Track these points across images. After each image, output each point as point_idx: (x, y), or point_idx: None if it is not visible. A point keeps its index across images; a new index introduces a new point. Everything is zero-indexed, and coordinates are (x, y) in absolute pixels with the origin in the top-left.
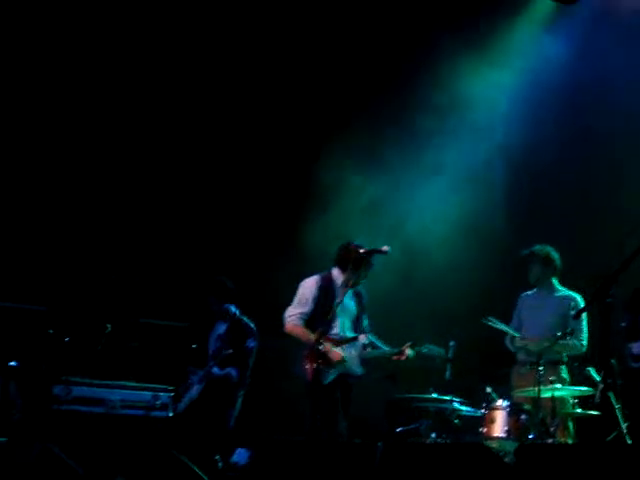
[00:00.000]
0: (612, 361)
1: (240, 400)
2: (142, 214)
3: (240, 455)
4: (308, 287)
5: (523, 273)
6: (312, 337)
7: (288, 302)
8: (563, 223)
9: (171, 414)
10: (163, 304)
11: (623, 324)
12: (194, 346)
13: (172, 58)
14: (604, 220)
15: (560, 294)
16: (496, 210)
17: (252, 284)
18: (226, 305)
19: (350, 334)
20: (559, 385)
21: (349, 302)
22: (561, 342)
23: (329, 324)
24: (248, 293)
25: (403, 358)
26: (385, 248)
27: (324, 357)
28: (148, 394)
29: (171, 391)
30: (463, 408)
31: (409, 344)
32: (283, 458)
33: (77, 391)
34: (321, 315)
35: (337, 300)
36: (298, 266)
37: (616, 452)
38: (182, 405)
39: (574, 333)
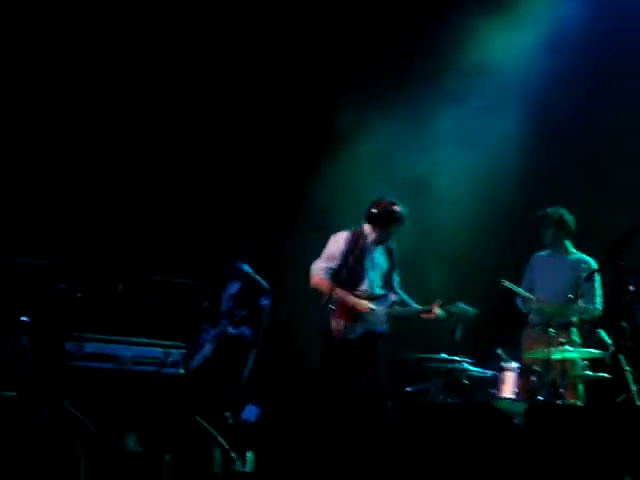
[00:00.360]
0: (623, 323)
1: (252, 358)
2: (156, 172)
3: (250, 412)
4: (337, 241)
5: (536, 236)
6: (339, 292)
7: (297, 262)
8: (578, 187)
9: (182, 371)
10: (176, 262)
11: (632, 287)
12: (206, 304)
13: (171, 41)
14: (619, 187)
15: (574, 257)
16: (511, 174)
17: (263, 244)
18: (239, 264)
19: (379, 291)
20: (570, 347)
21: (379, 258)
22: (576, 305)
23: (358, 280)
24: (259, 253)
25: (432, 317)
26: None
27: (351, 311)
28: (159, 351)
29: (182, 348)
30: (473, 369)
31: (439, 302)
32: (293, 415)
33: (89, 347)
34: (350, 271)
35: (367, 256)
36: (310, 225)
37: (625, 414)
38: (195, 363)
39: (587, 296)
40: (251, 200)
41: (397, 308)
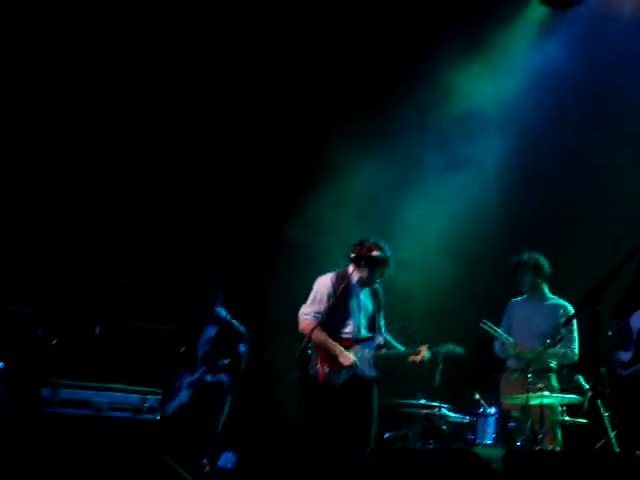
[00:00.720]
0: (601, 369)
1: (228, 405)
2: (131, 217)
3: (227, 459)
4: (323, 284)
5: (514, 282)
6: (324, 338)
7: (277, 307)
8: (555, 231)
9: (158, 417)
10: (152, 307)
11: (610, 332)
12: (182, 349)
13: (168, 46)
14: (597, 226)
15: (551, 302)
16: (491, 218)
17: (240, 291)
18: (216, 309)
19: (365, 333)
20: (548, 393)
21: (366, 300)
22: (553, 350)
23: (344, 322)
24: (236, 298)
25: (419, 359)
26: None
27: (334, 360)
28: (136, 397)
29: (159, 394)
30: (451, 414)
31: (426, 345)
32: (270, 462)
33: (65, 393)
34: (335, 313)
35: (352, 297)
36: (288, 267)
37: (604, 460)
38: (170, 409)
39: (565, 341)
40: (229, 242)
41: (384, 351)
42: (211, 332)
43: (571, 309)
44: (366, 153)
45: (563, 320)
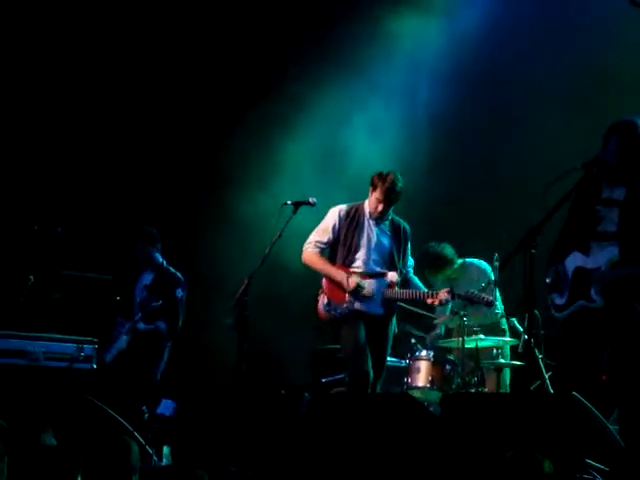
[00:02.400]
0: (535, 312)
1: (167, 351)
2: (64, 164)
3: (166, 406)
4: (331, 215)
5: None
6: (326, 266)
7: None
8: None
9: (95, 366)
10: (86, 255)
11: (548, 280)
12: (118, 298)
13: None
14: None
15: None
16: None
17: (177, 234)
18: (153, 254)
19: (376, 269)
20: (482, 335)
21: (381, 235)
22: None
23: (352, 257)
24: (174, 244)
25: (436, 303)
26: (312, 200)
27: (338, 287)
28: (72, 346)
29: (95, 343)
30: (388, 359)
31: (447, 289)
32: (209, 409)
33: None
34: (343, 246)
35: (363, 231)
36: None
37: (539, 401)
38: (110, 356)
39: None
40: (162, 193)
41: (396, 289)
42: (148, 278)
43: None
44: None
45: (484, 284)
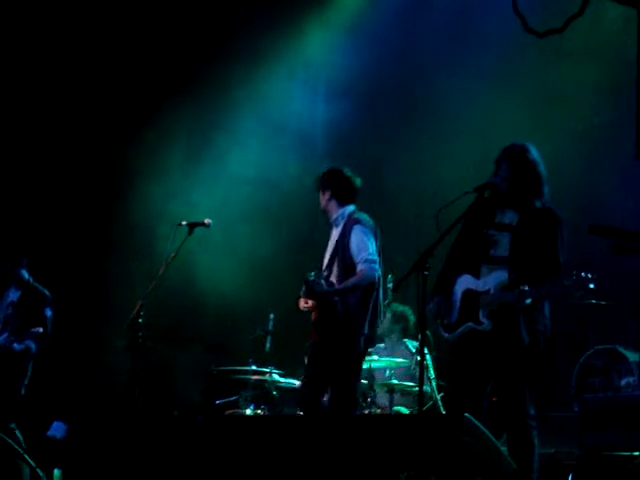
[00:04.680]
0: (427, 332)
1: (30, 368)
2: None
3: (57, 428)
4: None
5: None
6: None
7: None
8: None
9: None
10: None
11: (429, 308)
12: None
13: None
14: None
15: None
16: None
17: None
18: (19, 271)
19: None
20: (376, 357)
21: (334, 238)
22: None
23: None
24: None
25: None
26: (207, 221)
27: None
28: None
29: None
30: (282, 379)
31: None
32: (102, 432)
33: None
34: None
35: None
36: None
37: (431, 422)
38: None
39: None
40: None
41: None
42: (14, 295)
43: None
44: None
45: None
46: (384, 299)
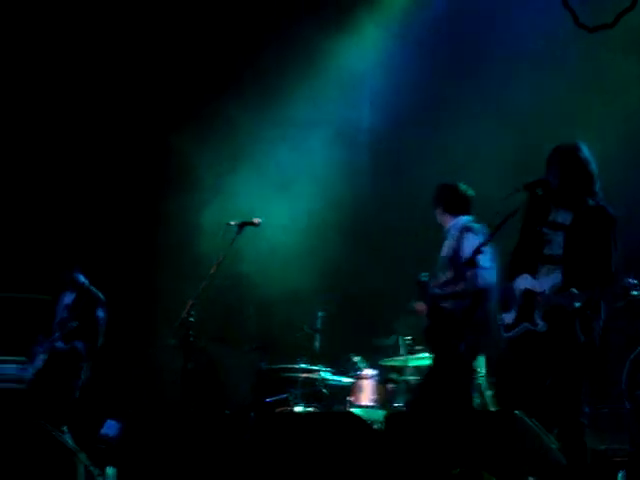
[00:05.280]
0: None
1: (85, 371)
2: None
3: (110, 427)
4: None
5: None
6: None
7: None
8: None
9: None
10: (29, 277)
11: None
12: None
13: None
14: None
15: None
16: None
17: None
18: (75, 274)
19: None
20: (426, 354)
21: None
22: None
23: None
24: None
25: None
26: (257, 220)
27: None
28: (13, 367)
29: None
30: (331, 377)
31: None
32: (154, 429)
33: None
34: None
35: None
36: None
37: (483, 419)
38: (27, 374)
39: None
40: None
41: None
42: (68, 298)
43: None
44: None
45: None
46: None
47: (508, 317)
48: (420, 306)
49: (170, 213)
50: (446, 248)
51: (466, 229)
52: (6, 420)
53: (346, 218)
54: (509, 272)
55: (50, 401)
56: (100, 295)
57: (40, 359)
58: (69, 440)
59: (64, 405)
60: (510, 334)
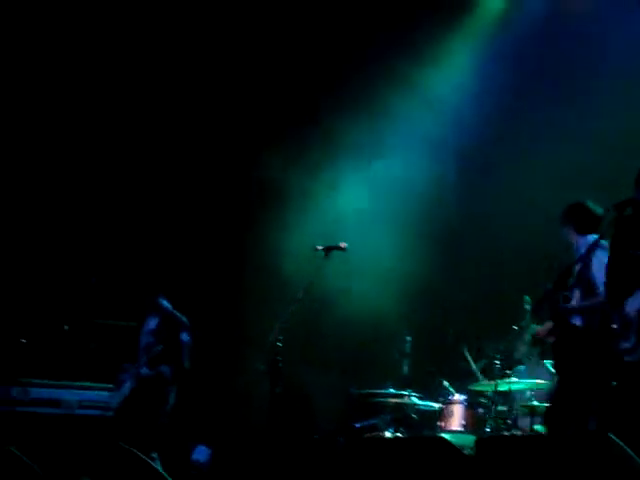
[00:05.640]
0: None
1: (173, 396)
2: (95, 216)
3: (200, 452)
4: None
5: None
6: None
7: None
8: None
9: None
10: (118, 304)
11: (614, 325)
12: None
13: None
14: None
15: None
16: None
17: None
18: (158, 299)
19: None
20: (515, 379)
21: None
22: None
23: None
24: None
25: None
26: (343, 245)
27: None
28: (105, 394)
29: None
30: (420, 402)
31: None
32: (244, 456)
33: (35, 392)
34: None
35: None
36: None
37: (574, 443)
38: (114, 402)
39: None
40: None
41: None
42: (153, 323)
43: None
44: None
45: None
46: (521, 320)
47: (626, 342)
48: (542, 331)
49: (257, 236)
50: (577, 266)
51: (595, 247)
52: (95, 447)
53: (433, 234)
54: (609, 297)
55: (138, 427)
56: (184, 319)
57: (127, 387)
58: (159, 467)
59: (152, 431)
60: (633, 356)
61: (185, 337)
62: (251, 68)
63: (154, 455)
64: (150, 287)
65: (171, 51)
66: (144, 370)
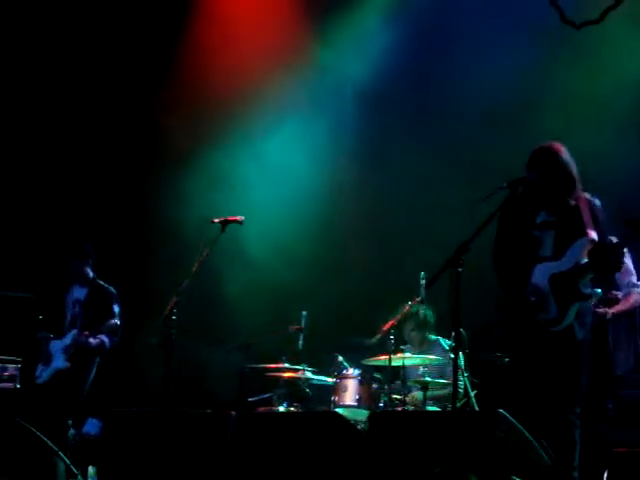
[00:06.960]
0: (462, 331)
1: (96, 366)
2: None
3: (91, 425)
4: None
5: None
6: None
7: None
8: None
9: (19, 385)
10: (6, 273)
11: (533, 298)
12: (41, 317)
13: None
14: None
15: None
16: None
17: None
18: (85, 269)
19: None
20: (409, 354)
21: None
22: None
23: None
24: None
25: None
26: (240, 218)
27: None
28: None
29: (19, 362)
30: (315, 377)
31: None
32: (135, 429)
33: None
34: None
35: None
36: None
37: (464, 419)
38: (45, 375)
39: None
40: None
41: None
42: (79, 294)
43: None
44: None
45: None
46: (417, 296)
47: (545, 314)
48: None
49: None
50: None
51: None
52: None
53: (327, 212)
54: (512, 275)
55: (64, 395)
56: (112, 289)
57: (60, 359)
58: (70, 435)
59: (74, 399)
60: (556, 328)
61: (116, 308)
62: None
63: (69, 422)
64: (75, 253)
65: None
66: (92, 341)
